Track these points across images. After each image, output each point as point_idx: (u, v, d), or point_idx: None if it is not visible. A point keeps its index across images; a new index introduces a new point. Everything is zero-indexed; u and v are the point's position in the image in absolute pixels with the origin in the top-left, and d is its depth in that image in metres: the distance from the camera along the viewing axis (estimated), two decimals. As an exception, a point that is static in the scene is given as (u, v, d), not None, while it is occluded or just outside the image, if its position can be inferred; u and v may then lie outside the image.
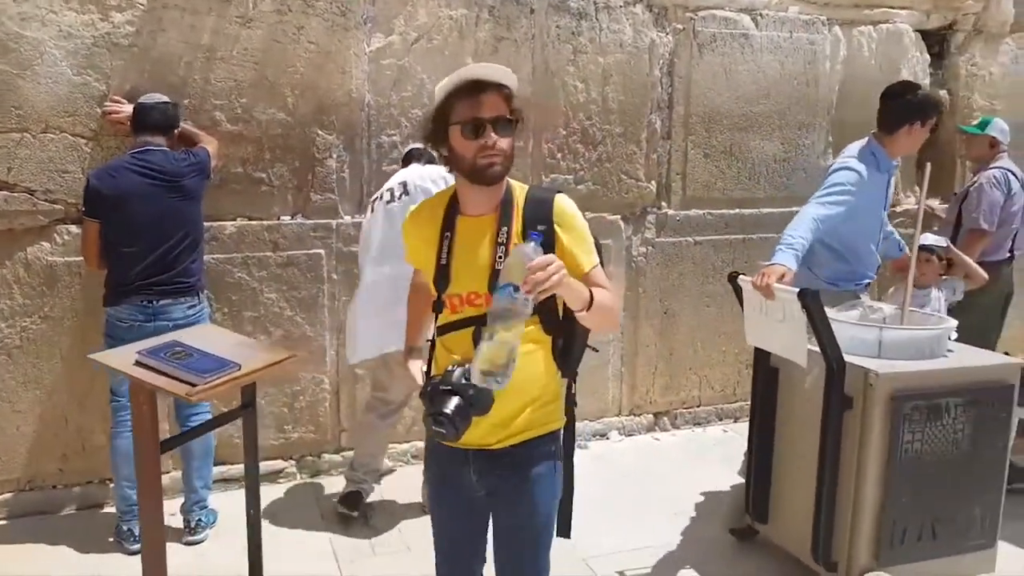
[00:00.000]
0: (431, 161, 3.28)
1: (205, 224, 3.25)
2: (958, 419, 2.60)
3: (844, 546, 2.61)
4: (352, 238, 3.56)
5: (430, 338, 1.86)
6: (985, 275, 3.59)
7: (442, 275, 1.71)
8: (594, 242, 1.79)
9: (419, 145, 3.42)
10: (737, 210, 4.35)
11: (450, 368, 1.59)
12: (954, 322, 2.81)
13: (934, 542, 2.65)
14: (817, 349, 2.57)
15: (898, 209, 4.72)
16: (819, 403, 2.61)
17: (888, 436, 2.53)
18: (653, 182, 4.16)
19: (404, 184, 3.10)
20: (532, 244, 1.51)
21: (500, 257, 1.64)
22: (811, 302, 2.50)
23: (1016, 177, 4.09)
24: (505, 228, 1.66)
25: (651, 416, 4.34)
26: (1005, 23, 4.86)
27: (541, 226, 1.63)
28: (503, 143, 1.64)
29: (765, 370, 2.95)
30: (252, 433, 2.38)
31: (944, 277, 3.51)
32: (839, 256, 3.19)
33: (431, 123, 1.69)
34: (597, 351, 2.00)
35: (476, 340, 1.60)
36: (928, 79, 4.75)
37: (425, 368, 1.86)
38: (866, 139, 3.17)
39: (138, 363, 1.95)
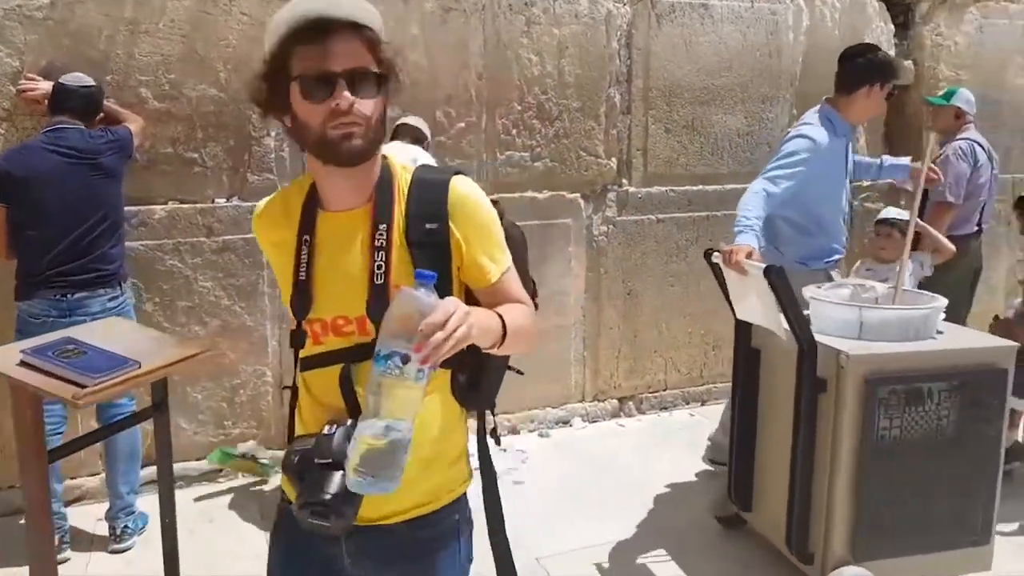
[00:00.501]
0: (418, 140, 3.11)
1: (133, 208, 3.06)
2: (942, 405, 2.40)
3: (820, 537, 2.44)
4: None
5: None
6: (953, 248, 3.49)
7: (301, 294, 1.25)
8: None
9: (411, 120, 3.28)
10: (700, 186, 4.21)
11: (327, 430, 1.16)
12: (944, 301, 2.61)
13: (919, 536, 2.46)
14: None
15: (865, 183, 4.61)
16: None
17: (862, 422, 2.34)
18: (613, 158, 4.01)
19: None
20: (422, 290, 1.07)
21: (379, 267, 1.20)
22: (777, 279, 2.37)
23: (983, 148, 3.99)
24: (383, 226, 1.22)
25: (615, 401, 4.20)
26: (970, -9, 4.76)
27: (431, 223, 1.23)
28: (364, 106, 1.16)
29: (746, 351, 2.80)
30: (164, 435, 2.18)
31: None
32: (804, 230, 3.04)
33: (263, 80, 1.20)
34: (522, 374, 1.61)
35: (344, 386, 1.20)
36: (893, 49, 4.62)
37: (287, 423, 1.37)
38: (819, 105, 3.03)
39: (23, 363, 1.75)
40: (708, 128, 4.18)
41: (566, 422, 4.05)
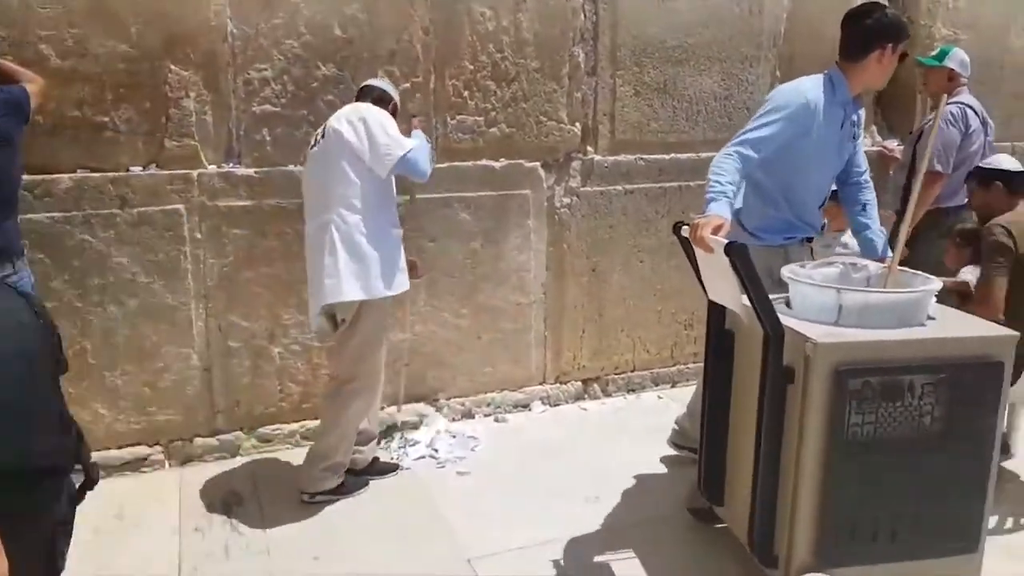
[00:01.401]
0: (382, 100, 2.93)
1: (36, 177, 2.79)
2: (925, 400, 2.12)
3: (784, 541, 2.20)
4: (219, 191, 3.11)
5: None
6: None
7: None
8: None
9: (376, 82, 3.04)
10: (672, 155, 3.91)
11: None
12: (938, 284, 2.31)
13: (895, 542, 2.19)
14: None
15: (852, 152, 4.31)
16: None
17: (831, 416, 2.08)
18: (577, 124, 3.71)
19: (326, 126, 2.82)
20: None
21: None
22: (737, 256, 2.10)
23: (976, 113, 3.68)
24: None
25: (579, 383, 3.96)
26: (972, -57, 4.40)
27: None
28: None
29: (718, 333, 2.52)
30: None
31: None
32: (768, 198, 2.70)
33: None
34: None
35: None
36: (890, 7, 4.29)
37: None
38: (828, 70, 2.65)
39: None
40: (682, 91, 3.87)
41: (525, 406, 3.81)
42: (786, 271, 2.38)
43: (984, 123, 3.74)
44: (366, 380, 2.87)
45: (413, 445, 3.35)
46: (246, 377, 3.28)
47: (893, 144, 4.33)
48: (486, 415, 3.72)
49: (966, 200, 3.66)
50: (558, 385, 3.90)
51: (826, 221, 3.47)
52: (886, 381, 2.09)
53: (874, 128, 4.46)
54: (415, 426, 3.53)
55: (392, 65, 3.31)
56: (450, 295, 3.57)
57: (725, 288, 2.27)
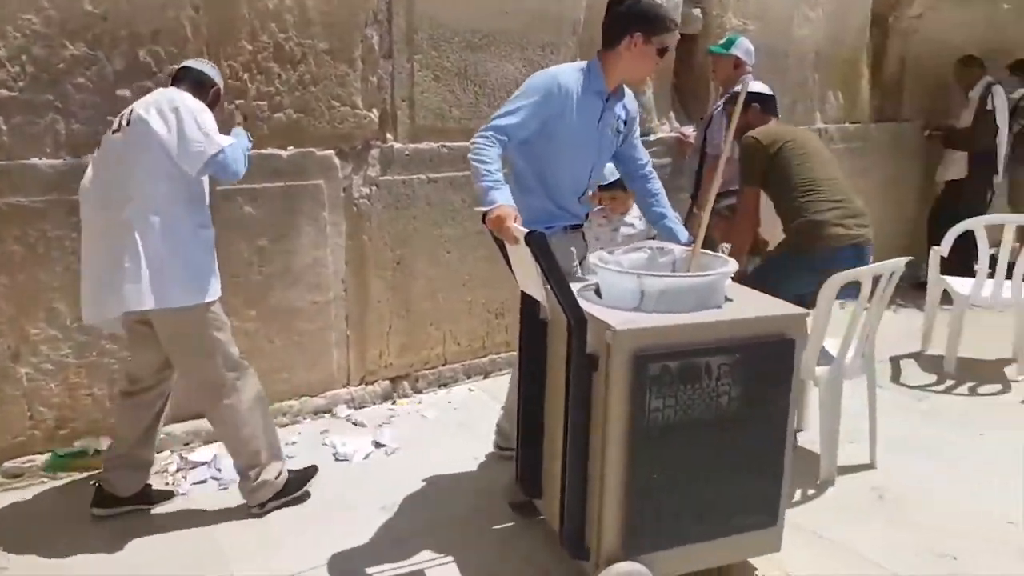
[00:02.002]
0: (201, 84, 2.68)
1: None
2: (723, 381, 2.15)
3: (594, 531, 2.18)
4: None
5: None
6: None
7: None
8: None
9: (195, 64, 2.75)
10: (477, 142, 3.80)
11: None
12: (733, 265, 2.37)
13: (699, 524, 2.23)
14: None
15: (652, 137, 4.40)
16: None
17: (632, 402, 2.08)
18: (375, 110, 3.50)
19: (131, 112, 2.53)
20: None
21: None
22: (537, 245, 2.06)
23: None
24: None
25: (387, 382, 3.79)
26: (757, -63, 4.59)
27: None
28: None
29: (532, 324, 2.46)
30: None
31: None
32: (526, 187, 2.59)
33: None
34: None
35: None
36: (680, -4, 4.39)
37: None
38: (590, 60, 2.62)
39: None
40: (483, 77, 3.76)
41: (328, 411, 3.59)
42: (593, 258, 2.36)
43: (771, 108, 3.90)
44: (229, 373, 2.67)
45: (193, 468, 3.05)
46: (-12, 403, 2.85)
47: (688, 130, 4.46)
48: (283, 426, 3.47)
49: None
50: (364, 386, 3.72)
51: (601, 206, 3.53)
52: (684, 364, 2.10)
53: (671, 115, 4.58)
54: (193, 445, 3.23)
55: (156, 44, 2.95)
56: (235, 297, 3.25)
57: (531, 277, 2.22)
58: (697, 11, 4.51)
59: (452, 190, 3.78)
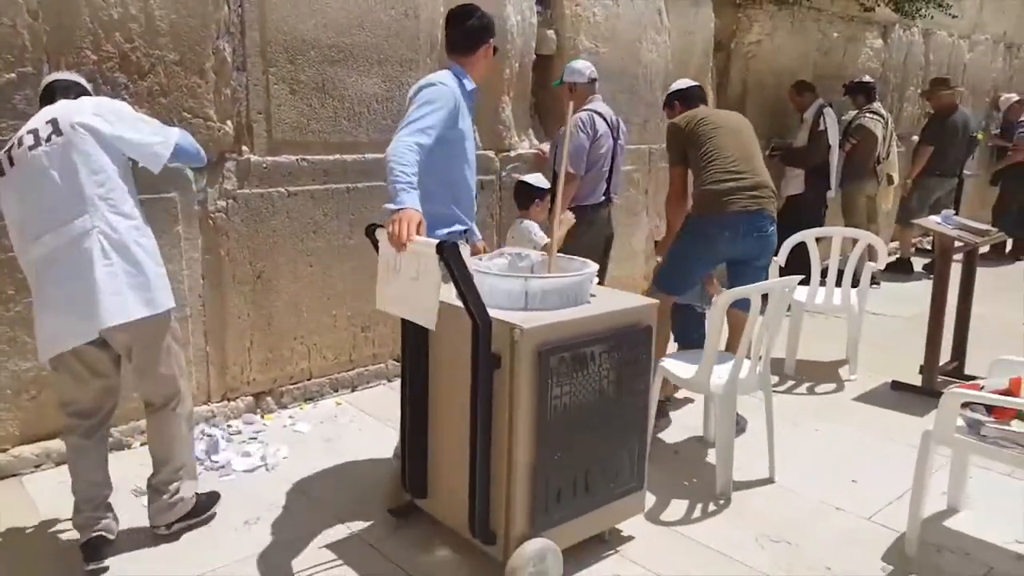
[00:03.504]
0: (83, 94, 2.61)
1: None
2: (603, 366, 2.43)
3: (501, 516, 2.35)
4: None
5: None
6: (572, 217, 3.78)
7: None
8: None
9: (64, 76, 2.69)
10: (337, 155, 3.84)
11: None
12: (595, 266, 2.62)
13: (588, 495, 2.49)
14: (461, 305, 2.25)
15: (512, 153, 4.57)
16: (469, 364, 2.30)
17: (537, 393, 2.29)
18: (229, 122, 3.48)
19: (55, 122, 2.41)
20: None
21: None
22: (451, 255, 2.16)
23: (604, 119, 4.08)
24: None
25: (250, 398, 3.74)
26: (605, -35, 4.87)
27: None
28: None
29: (414, 331, 2.56)
30: None
31: None
32: (428, 193, 2.59)
33: None
34: None
35: None
36: (535, 18, 4.60)
37: None
38: (446, 66, 2.87)
39: None
40: (342, 91, 3.81)
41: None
42: (472, 264, 2.42)
43: (612, 127, 4.16)
44: (181, 381, 2.65)
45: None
46: None
47: (546, 147, 4.66)
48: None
49: (603, 198, 4.06)
50: (225, 403, 3.65)
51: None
52: (575, 355, 2.36)
53: (530, 131, 4.77)
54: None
55: (-12, 52, 2.84)
56: (83, 314, 3.15)
57: (413, 291, 2.27)
58: (551, 33, 4.73)
59: (313, 203, 3.79)
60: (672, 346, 3.88)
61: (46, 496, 2.94)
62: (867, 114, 6.41)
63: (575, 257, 2.74)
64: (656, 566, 2.59)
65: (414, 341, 2.59)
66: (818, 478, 3.23)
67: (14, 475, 3.08)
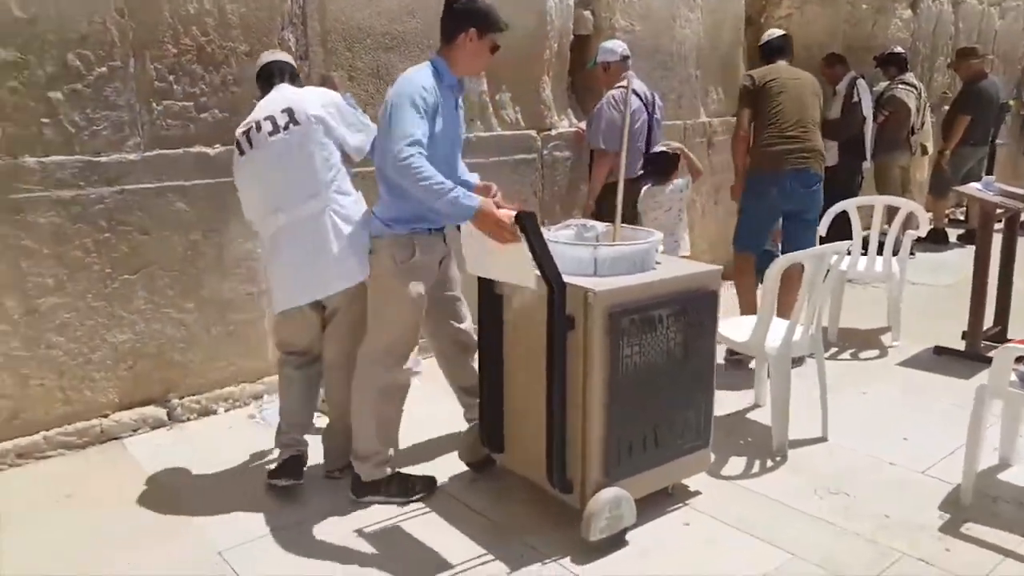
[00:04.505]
0: (295, 76, 3.02)
1: None
2: (669, 328, 2.60)
3: (577, 466, 2.55)
4: None
5: None
6: (700, 167, 4.30)
7: None
8: None
9: (277, 56, 3.07)
10: (393, 137, 4.07)
11: None
12: (660, 235, 2.86)
13: (657, 450, 2.67)
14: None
15: (553, 132, 4.77)
16: (544, 327, 2.48)
17: (609, 352, 2.48)
18: (295, 109, 3.72)
19: (290, 111, 2.76)
20: None
21: None
22: (529, 224, 2.36)
23: (637, 95, 4.23)
24: None
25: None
26: (639, -54, 5.04)
27: None
28: None
29: (490, 298, 2.78)
30: None
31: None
32: (398, 191, 2.61)
33: None
34: None
35: None
36: (572, 0, 4.78)
37: None
38: (430, 58, 2.75)
39: None
40: (394, 76, 3.98)
41: (261, 396, 3.78)
42: (545, 233, 2.54)
43: (647, 103, 4.33)
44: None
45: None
46: (-63, 397, 2.93)
47: (584, 125, 4.85)
48: (226, 410, 3.65)
49: (640, 172, 4.24)
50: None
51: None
52: (644, 317, 2.54)
53: (569, 111, 4.96)
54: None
55: (85, 48, 3.11)
56: (171, 290, 3.43)
57: (504, 258, 2.45)
58: (588, 13, 4.91)
59: (363, 183, 4.00)
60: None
61: (147, 456, 3.23)
62: (899, 85, 6.49)
63: (640, 228, 2.96)
64: (722, 515, 2.76)
65: (489, 308, 2.80)
66: (869, 436, 3.35)
67: (116, 438, 3.36)
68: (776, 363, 3.23)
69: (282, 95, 2.85)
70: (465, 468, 3.05)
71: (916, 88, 6.54)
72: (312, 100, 2.82)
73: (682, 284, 2.67)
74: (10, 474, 3.07)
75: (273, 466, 2.93)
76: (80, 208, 3.17)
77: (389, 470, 2.84)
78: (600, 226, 2.99)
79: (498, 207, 2.48)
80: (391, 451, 2.86)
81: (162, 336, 3.46)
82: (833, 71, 6.20)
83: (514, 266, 2.47)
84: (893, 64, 6.60)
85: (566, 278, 2.47)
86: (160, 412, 3.49)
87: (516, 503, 2.84)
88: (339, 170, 2.80)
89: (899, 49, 6.76)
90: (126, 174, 3.25)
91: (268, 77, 2.97)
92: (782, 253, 4.04)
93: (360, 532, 2.67)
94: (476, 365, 2.97)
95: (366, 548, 2.59)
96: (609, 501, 2.50)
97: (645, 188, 4.20)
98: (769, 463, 3.15)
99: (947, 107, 7.43)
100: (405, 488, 2.85)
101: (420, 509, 2.81)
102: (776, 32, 4.51)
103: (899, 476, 3.03)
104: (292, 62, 3.09)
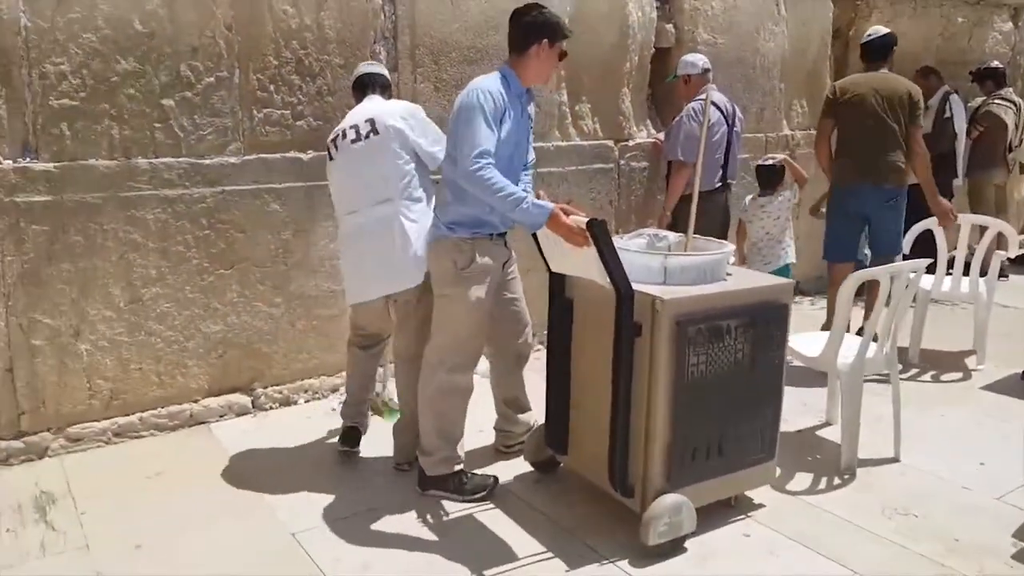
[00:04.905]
0: (387, 87, 3.25)
1: None
2: (738, 339, 2.61)
3: (639, 471, 2.59)
4: (16, 186, 3.05)
5: None
6: (805, 175, 4.42)
7: None
8: None
9: (372, 68, 3.30)
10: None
11: None
12: (731, 247, 2.92)
13: (720, 459, 2.68)
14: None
15: (631, 143, 4.84)
16: (612, 333, 2.53)
17: (675, 360, 2.51)
18: (383, 118, 3.91)
19: (372, 121, 2.99)
20: None
21: None
22: (599, 231, 2.44)
23: (718, 107, 4.26)
24: None
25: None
26: (723, -40, 5.06)
27: None
28: None
29: (560, 302, 2.87)
30: None
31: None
32: (461, 195, 2.72)
33: None
34: None
35: None
36: (655, 13, 4.84)
37: None
38: (499, 68, 2.83)
39: None
40: (479, 87, 4.18)
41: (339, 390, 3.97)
42: (616, 241, 2.63)
43: (727, 115, 4.35)
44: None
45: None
46: (52, 376, 3.22)
47: (663, 136, 4.90)
48: (306, 401, 3.86)
49: (718, 184, 4.27)
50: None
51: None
52: (712, 326, 2.56)
53: (648, 122, 5.01)
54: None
55: (195, 60, 3.37)
56: (261, 285, 3.67)
57: (583, 259, 2.54)
58: (670, 26, 4.96)
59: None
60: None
61: (231, 441, 3.45)
62: (996, 100, 6.27)
63: (713, 239, 3.00)
64: (783, 528, 2.76)
65: (559, 311, 2.88)
66: (944, 459, 3.27)
67: (203, 423, 3.60)
68: (847, 380, 3.19)
69: (370, 106, 3.07)
70: (530, 468, 3.15)
71: (1015, 104, 6.30)
72: (395, 111, 3.01)
73: (752, 296, 2.69)
74: (107, 451, 3.34)
75: (339, 435, 3.29)
76: (184, 206, 3.42)
77: (453, 467, 2.95)
78: (672, 236, 3.04)
79: (567, 214, 2.56)
80: (454, 450, 2.95)
81: (251, 328, 3.69)
82: (927, 83, 6.04)
83: (589, 266, 2.55)
84: (990, 78, 6.38)
85: (635, 285, 2.51)
86: (245, 400, 3.72)
87: (577, 504, 2.92)
88: (413, 177, 2.97)
89: (996, 63, 6.53)
90: (227, 176, 3.50)
91: (362, 88, 3.20)
92: (869, 267, 3.98)
93: (427, 523, 2.80)
94: (544, 373, 3.01)
95: (432, 538, 2.71)
96: (669, 507, 2.54)
97: (750, 198, 4.36)
98: (836, 481, 3.12)
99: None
100: (466, 486, 2.94)
101: (485, 506, 2.91)
102: (880, 30, 4.45)
103: (973, 501, 2.97)
104: (386, 74, 3.29)
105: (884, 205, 4.20)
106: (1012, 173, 6.51)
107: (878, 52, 4.33)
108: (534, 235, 2.77)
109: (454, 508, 2.89)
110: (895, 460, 3.29)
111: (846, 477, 3.14)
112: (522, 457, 3.17)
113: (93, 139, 3.19)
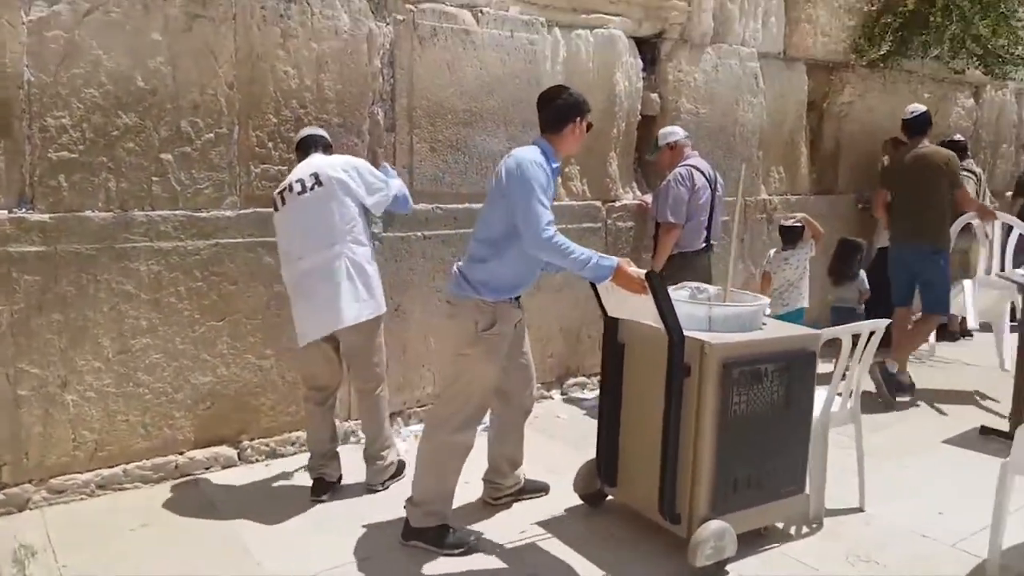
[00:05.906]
0: (328, 147, 3.45)
1: None
2: (774, 382, 2.91)
3: (686, 500, 2.85)
4: (9, 236, 3.06)
5: None
6: (821, 230, 4.84)
7: None
8: None
9: (314, 131, 3.48)
10: (466, 204, 4.30)
11: None
12: (767, 300, 3.21)
13: (758, 490, 2.94)
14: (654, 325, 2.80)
15: (617, 203, 4.97)
16: (661, 374, 2.80)
17: (720, 399, 2.78)
18: (377, 176, 3.99)
19: (316, 175, 3.22)
20: None
21: None
22: (656, 283, 2.69)
23: (702, 173, 4.45)
24: None
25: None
26: (705, 34, 5.28)
27: None
28: None
29: (613, 345, 3.13)
30: None
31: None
32: (507, 260, 2.91)
33: None
34: None
35: None
36: (641, 83, 5.03)
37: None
38: (534, 142, 3.05)
39: None
40: (472, 148, 4.30)
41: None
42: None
43: (710, 180, 4.53)
44: (384, 377, 3.47)
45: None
46: (37, 426, 3.18)
47: (649, 198, 5.04)
48: (293, 454, 3.83)
49: (703, 245, 4.41)
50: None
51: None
52: (752, 370, 2.86)
53: (634, 184, 5.16)
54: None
55: (196, 116, 3.43)
56: (252, 337, 3.68)
57: (644, 306, 2.76)
58: (655, 96, 5.15)
59: (444, 246, 4.26)
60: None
61: (218, 494, 3.42)
62: (960, 172, 6.54)
63: (747, 292, 3.34)
64: (756, 577, 2.87)
65: (612, 354, 3.13)
66: (906, 509, 3.44)
67: (189, 475, 3.56)
68: (814, 434, 3.28)
69: (313, 162, 3.29)
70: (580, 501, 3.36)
71: (975, 174, 6.58)
72: (336, 164, 3.26)
73: (786, 344, 3.01)
74: (90, 503, 3.28)
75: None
76: (178, 258, 3.45)
77: (439, 521, 2.98)
78: (712, 289, 3.32)
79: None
80: (444, 504, 3.00)
81: (240, 380, 3.68)
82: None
83: (645, 312, 2.79)
84: (954, 151, 6.66)
85: (684, 332, 2.76)
86: (231, 452, 3.70)
87: (626, 531, 3.14)
88: (356, 223, 3.24)
89: (959, 136, 6.83)
90: (222, 229, 3.54)
91: (305, 148, 3.41)
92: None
93: (421, 573, 2.83)
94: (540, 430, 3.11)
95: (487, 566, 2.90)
96: (715, 532, 2.77)
97: (774, 252, 4.85)
98: (804, 530, 3.23)
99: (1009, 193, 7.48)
100: (447, 540, 2.97)
101: (542, 534, 3.14)
102: (919, 108, 5.09)
103: (930, 549, 3.12)
104: (327, 136, 3.50)
105: (923, 258, 4.89)
106: (975, 241, 6.75)
107: (918, 128, 4.95)
108: (592, 284, 3.00)
109: (509, 537, 3.08)
110: (860, 510, 3.43)
111: (814, 526, 3.25)
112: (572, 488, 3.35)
113: (90, 191, 3.22)
